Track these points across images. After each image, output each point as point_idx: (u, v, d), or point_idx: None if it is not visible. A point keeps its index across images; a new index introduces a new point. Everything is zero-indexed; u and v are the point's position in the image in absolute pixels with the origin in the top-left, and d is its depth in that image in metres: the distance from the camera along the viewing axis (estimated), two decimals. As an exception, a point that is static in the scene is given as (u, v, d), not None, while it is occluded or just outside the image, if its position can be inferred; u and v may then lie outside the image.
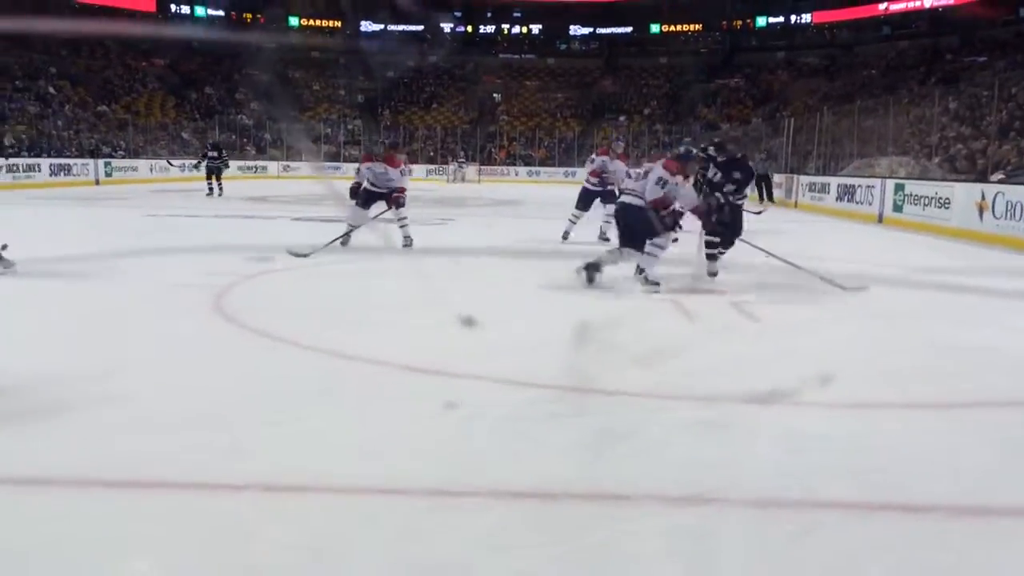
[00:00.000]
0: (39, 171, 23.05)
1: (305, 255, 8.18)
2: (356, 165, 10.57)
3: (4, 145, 25.08)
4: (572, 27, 47.18)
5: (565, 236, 10.44)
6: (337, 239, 8.91)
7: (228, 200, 18.77)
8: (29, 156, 24.81)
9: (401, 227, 9.47)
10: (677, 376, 4.14)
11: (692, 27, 46.08)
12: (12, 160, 22.69)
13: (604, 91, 44.06)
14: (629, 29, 46.46)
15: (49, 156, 25.62)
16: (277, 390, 3.83)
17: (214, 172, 20.07)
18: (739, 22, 44.98)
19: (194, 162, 22.40)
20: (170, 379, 4.00)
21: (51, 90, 33.20)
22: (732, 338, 5.28)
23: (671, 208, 6.66)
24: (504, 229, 13.50)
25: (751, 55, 43.37)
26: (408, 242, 9.41)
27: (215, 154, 20.34)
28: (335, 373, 4.20)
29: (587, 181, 10.58)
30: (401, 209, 9.43)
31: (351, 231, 9.19)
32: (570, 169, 34.36)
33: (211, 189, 20.01)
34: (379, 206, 9.46)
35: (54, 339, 4.87)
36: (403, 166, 9.56)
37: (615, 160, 10.38)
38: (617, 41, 46.73)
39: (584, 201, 10.56)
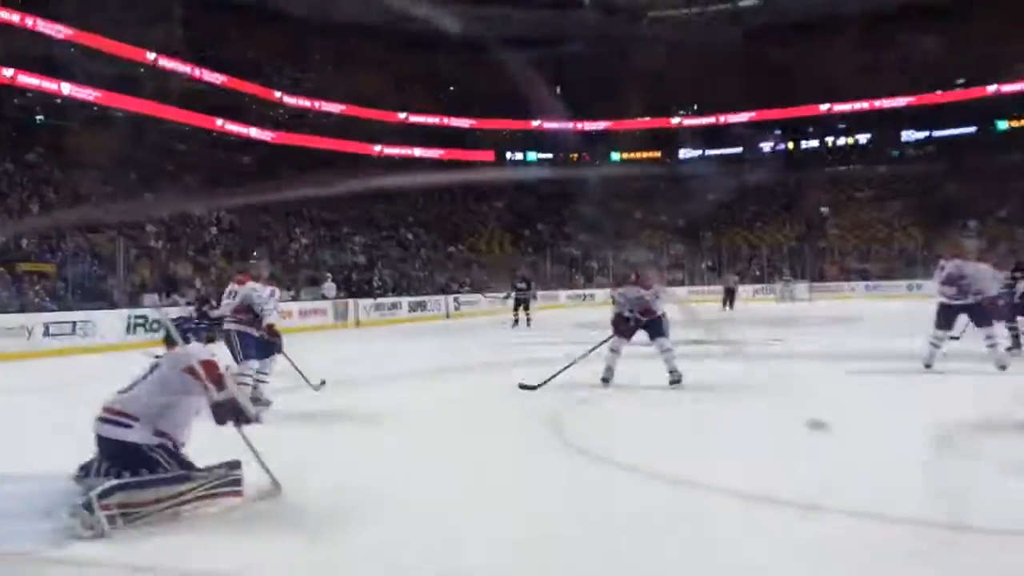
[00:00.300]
0: (400, 308, 26.10)
1: (534, 387, 8.07)
2: (612, 292, 9.40)
3: (373, 286, 28.80)
4: (904, 132, 44.57)
5: (928, 364, 8.71)
6: (566, 366, 8.41)
7: (558, 328, 19.71)
8: (393, 295, 28.23)
9: (665, 360, 8.26)
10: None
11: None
12: (380, 299, 25.97)
13: (948, 196, 40.59)
14: (972, 129, 42.83)
15: (408, 294, 28.94)
16: (624, 525, 3.86)
17: (521, 303, 20.80)
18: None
19: (503, 294, 23.56)
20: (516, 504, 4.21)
21: (409, 236, 37.90)
22: None
23: None
24: (839, 345, 12.71)
25: None
26: (675, 377, 8.18)
27: (523, 286, 21.14)
28: (678, 502, 4.16)
29: (941, 294, 8.87)
30: (663, 339, 8.28)
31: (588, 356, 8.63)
32: (914, 282, 31.74)
33: (516, 321, 20.38)
34: (640, 334, 8.50)
35: (422, 449, 5.38)
36: (655, 286, 8.44)
37: (972, 263, 8.75)
38: (958, 142, 43.20)
39: (945, 319, 8.81)
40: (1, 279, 17.43)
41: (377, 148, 42.36)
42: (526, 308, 20.77)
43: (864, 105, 43.71)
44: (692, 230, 41.66)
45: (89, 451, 4.06)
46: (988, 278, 8.91)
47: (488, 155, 46.65)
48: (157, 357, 4.29)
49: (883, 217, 40.74)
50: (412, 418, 7.10)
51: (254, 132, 36.47)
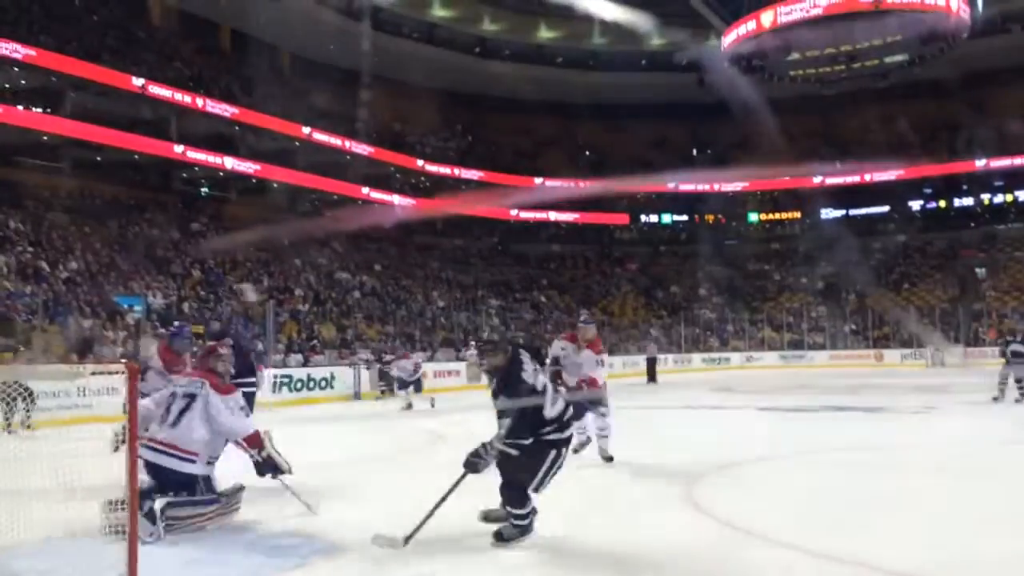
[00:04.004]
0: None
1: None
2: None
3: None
4: (1069, 188, 41.61)
5: None
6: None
7: (690, 389, 19.37)
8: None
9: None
10: None
11: None
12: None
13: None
14: None
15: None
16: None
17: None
18: None
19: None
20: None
21: (543, 299, 38.32)
22: None
23: None
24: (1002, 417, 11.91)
25: None
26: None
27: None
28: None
29: None
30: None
31: None
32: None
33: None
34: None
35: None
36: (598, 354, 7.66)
37: None
38: None
39: None
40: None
41: (514, 212, 43.30)
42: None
43: (1022, 161, 41.17)
44: (834, 291, 40.16)
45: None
46: None
47: (623, 218, 46.78)
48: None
49: (1046, 278, 37.99)
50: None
51: (397, 199, 38.13)
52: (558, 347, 7.48)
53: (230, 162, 30.43)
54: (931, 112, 41.69)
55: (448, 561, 4.35)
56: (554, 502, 5.98)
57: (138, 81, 27.17)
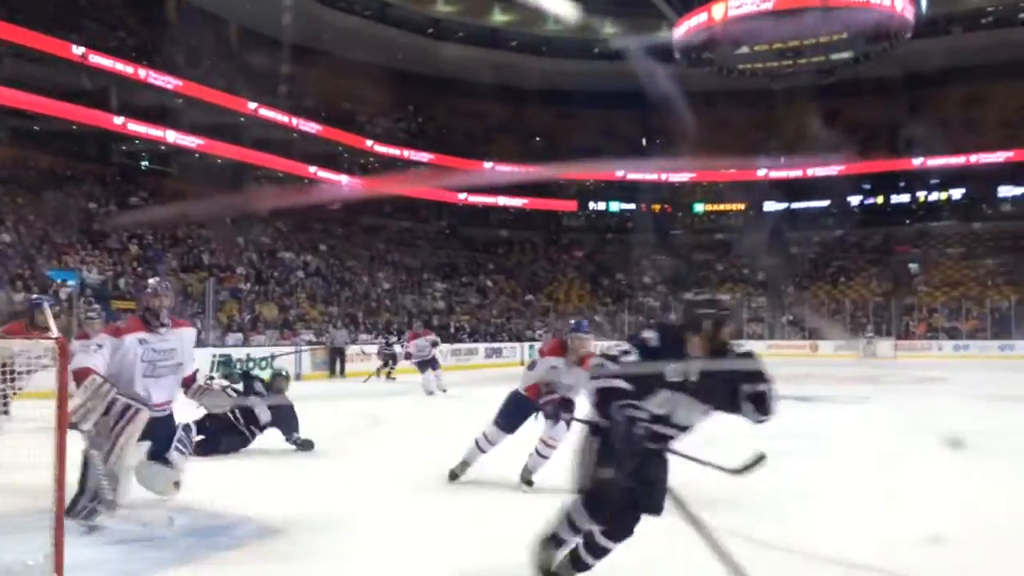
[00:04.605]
0: (476, 354, 26.41)
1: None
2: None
3: (451, 332, 29.24)
4: (1001, 189, 43.04)
5: None
6: None
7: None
8: (470, 341, 28.57)
9: None
10: None
11: None
12: (456, 344, 26.33)
13: (1046, 254, 38.99)
14: (1075, 185, 41.12)
15: (485, 340, 29.22)
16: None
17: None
18: None
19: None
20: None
21: (489, 283, 38.38)
22: None
23: None
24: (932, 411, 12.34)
25: None
26: None
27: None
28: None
29: None
30: None
31: None
32: (1007, 343, 30.51)
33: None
34: None
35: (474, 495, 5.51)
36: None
37: None
38: (1059, 198, 41.53)
39: None
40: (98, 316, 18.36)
41: (462, 196, 43.23)
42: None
43: (959, 160, 42.45)
44: (774, 283, 40.98)
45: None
46: None
47: (571, 204, 47.01)
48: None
49: (975, 275, 39.32)
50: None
51: (345, 179, 37.73)
52: (546, 364, 6.04)
53: (172, 135, 29.72)
54: (873, 110, 42.64)
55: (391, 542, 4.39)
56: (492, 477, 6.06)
57: (78, 49, 26.31)
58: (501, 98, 43.46)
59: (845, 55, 37.58)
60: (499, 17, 43.99)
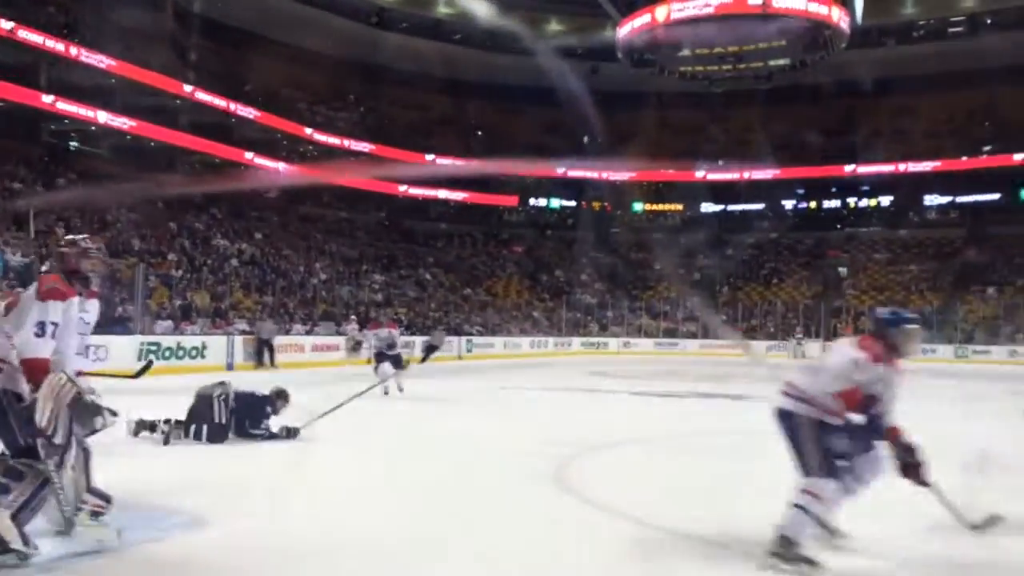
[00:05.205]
0: (414, 348, 26.16)
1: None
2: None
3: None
4: (927, 197, 44.56)
5: None
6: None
7: (573, 374, 19.76)
8: (407, 334, 28.33)
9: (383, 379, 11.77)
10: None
11: (1077, 190, 41.37)
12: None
13: (968, 262, 40.50)
14: (996, 196, 42.77)
15: (423, 334, 29.05)
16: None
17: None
18: None
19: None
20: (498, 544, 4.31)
21: (427, 276, 38.17)
22: None
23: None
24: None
25: None
26: (385, 389, 11.88)
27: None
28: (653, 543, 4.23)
29: None
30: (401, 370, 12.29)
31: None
32: (929, 347, 31.59)
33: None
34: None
35: (395, 494, 5.48)
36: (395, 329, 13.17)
37: None
38: (982, 209, 43.16)
39: None
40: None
41: (402, 188, 42.91)
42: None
43: (889, 168, 43.78)
44: (709, 283, 41.70)
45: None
46: None
47: (512, 199, 47.04)
48: None
49: (901, 280, 40.64)
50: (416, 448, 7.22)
51: (282, 167, 37.10)
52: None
53: (104, 116, 28.81)
54: (808, 116, 43.65)
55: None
56: (414, 474, 6.02)
57: (7, 24, 25.31)
58: (444, 91, 43.27)
59: (783, 61, 38.38)
60: (444, 9, 43.73)
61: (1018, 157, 41.00)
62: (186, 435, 7.27)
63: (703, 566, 3.98)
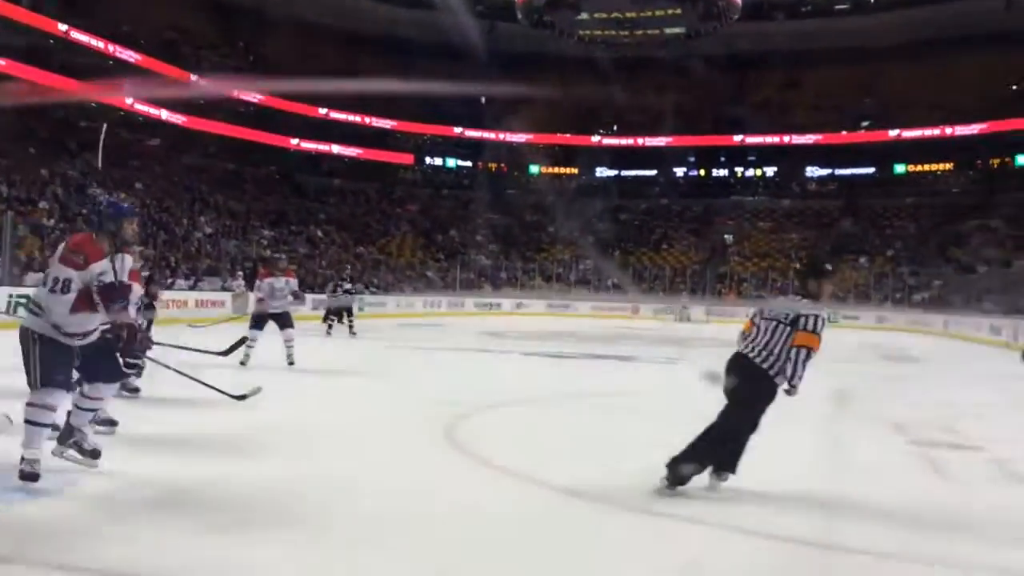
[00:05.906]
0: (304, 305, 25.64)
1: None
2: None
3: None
4: (808, 169, 46.50)
5: None
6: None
7: (466, 335, 19.80)
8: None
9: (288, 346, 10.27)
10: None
11: (942, 167, 43.89)
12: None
13: (843, 232, 42.59)
14: (871, 170, 45.04)
15: (312, 292, 28.46)
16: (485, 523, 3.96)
17: (344, 309, 18.41)
18: (996, 161, 42.21)
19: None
20: (392, 502, 4.27)
21: (319, 233, 37.33)
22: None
23: None
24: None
25: (1012, 195, 40.12)
26: (292, 360, 10.17)
27: (348, 287, 19.10)
28: (544, 506, 4.28)
29: None
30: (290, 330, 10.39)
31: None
32: (805, 312, 33.16)
33: (330, 328, 18.26)
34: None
35: (288, 446, 5.37)
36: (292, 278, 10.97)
37: None
38: (857, 182, 45.38)
39: None
40: None
41: (294, 141, 41.69)
42: (349, 314, 18.12)
43: (774, 140, 45.38)
44: (603, 247, 42.41)
45: None
46: None
47: (408, 158, 46.42)
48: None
49: (781, 248, 42.36)
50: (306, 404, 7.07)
51: (165, 115, 35.38)
52: None
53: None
54: (700, 86, 44.59)
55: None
56: (310, 434, 5.90)
57: None
58: (340, 42, 42.10)
59: (678, 30, 39.06)
60: (341, -42, 42.38)
61: (893, 133, 43.23)
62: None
63: (587, 523, 4.04)
